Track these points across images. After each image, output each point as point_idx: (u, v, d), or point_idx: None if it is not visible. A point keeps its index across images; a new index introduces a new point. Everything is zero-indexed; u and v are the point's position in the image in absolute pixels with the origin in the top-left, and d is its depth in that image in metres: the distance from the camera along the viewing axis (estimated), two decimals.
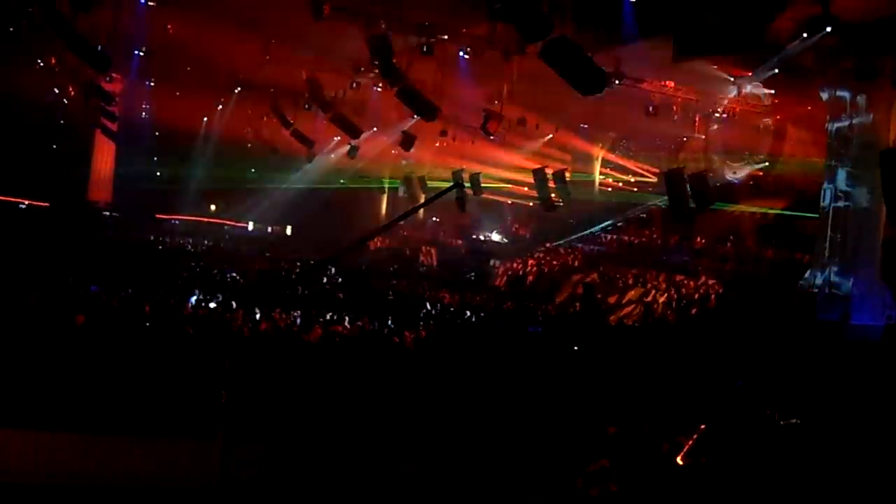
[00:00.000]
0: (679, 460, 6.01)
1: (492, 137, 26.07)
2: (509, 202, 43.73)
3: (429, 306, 19.84)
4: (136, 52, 27.83)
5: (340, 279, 24.51)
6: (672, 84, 24.50)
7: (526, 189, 37.40)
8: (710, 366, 15.08)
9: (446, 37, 21.34)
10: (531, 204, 36.65)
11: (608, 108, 27.84)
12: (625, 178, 38.02)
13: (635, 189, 37.21)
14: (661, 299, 23.45)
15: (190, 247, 31.84)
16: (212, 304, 15.47)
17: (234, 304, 15.52)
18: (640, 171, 36.77)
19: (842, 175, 19.49)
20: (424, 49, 20.84)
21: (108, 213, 43.68)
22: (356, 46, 21.89)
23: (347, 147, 37.40)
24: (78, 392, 8.90)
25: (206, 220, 47.53)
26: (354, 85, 27.93)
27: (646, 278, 25.06)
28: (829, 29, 16.83)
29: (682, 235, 27.61)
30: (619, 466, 6.04)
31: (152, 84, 35.56)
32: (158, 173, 46.79)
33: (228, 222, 48.07)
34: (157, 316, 13.55)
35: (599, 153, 36.89)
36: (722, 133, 29.82)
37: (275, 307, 15.61)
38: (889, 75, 18.43)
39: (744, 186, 29.18)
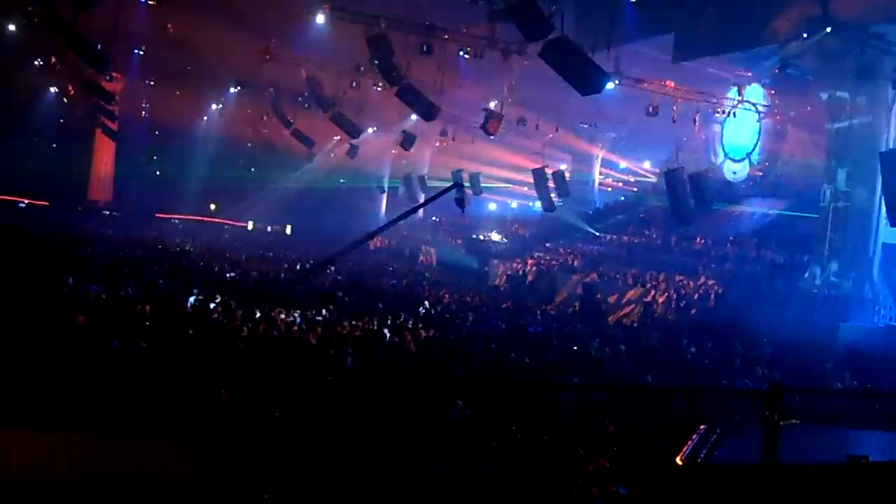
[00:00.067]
0: (679, 461, 6.01)
1: (492, 137, 26.10)
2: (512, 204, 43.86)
3: (428, 305, 19.85)
4: (136, 51, 27.83)
5: (340, 278, 24.55)
6: (672, 84, 24.50)
7: (526, 189, 37.44)
8: (710, 366, 15.11)
9: (446, 37, 21.33)
10: (531, 204, 36.75)
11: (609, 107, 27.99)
12: (625, 178, 38.08)
13: (635, 189, 37.24)
14: (661, 299, 23.46)
15: (189, 247, 31.82)
16: (211, 305, 15.49)
17: (233, 304, 15.54)
18: (640, 171, 36.82)
19: (842, 175, 19.51)
20: (425, 49, 20.83)
21: (107, 213, 43.73)
22: (356, 46, 21.95)
23: (347, 146, 37.49)
24: (78, 392, 8.91)
25: (206, 219, 47.57)
26: (354, 85, 27.94)
27: (645, 278, 25.06)
28: (829, 29, 16.85)
29: (682, 235, 27.61)
30: (619, 466, 6.03)
31: (152, 83, 35.60)
32: (158, 173, 46.86)
33: (228, 222, 48.08)
34: (157, 316, 13.55)
35: (599, 153, 36.92)
36: (722, 133, 29.88)
37: (275, 307, 15.62)
38: (889, 75, 18.44)
39: (744, 186, 29.20)
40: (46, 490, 7.66)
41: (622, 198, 37.62)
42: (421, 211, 34.22)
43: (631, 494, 5.83)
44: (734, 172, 29.55)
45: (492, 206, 44.80)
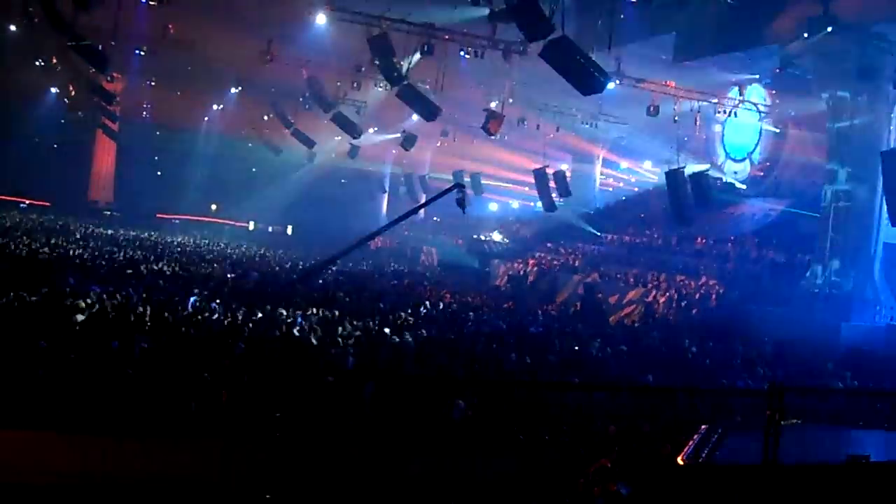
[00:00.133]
0: (680, 461, 6.00)
1: (492, 137, 26.10)
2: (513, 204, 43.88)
3: (429, 305, 19.84)
4: (137, 51, 27.84)
5: (341, 278, 24.55)
6: (673, 84, 24.50)
7: (527, 189, 37.45)
8: (711, 365, 15.10)
9: (447, 37, 21.32)
10: (532, 204, 36.74)
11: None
12: (626, 177, 38.08)
13: (636, 189, 37.24)
14: (662, 299, 23.45)
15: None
16: (212, 305, 15.49)
17: (234, 304, 15.54)
18: (641, 171, 36.81)
19: (842, 175, 19.50)
20: (424, 49, 20.82)
21: (108, 213, 43.78)
22: (357, 47, 21.95)
23: (348, 147, 37.51)
24: (78, 392, 8.91)
25: (206, 219, 47.61)
26: (355, 85, 27.95)
27: (647, 278, 25.07)
28: (829, 29, 16.84)
29: (683, 235, 27.61)
30: (619, 466, 6.02)
31: (152, 83, 35.62)
32: (159, 172, 46.89)
33: (229, 221, 48.12)
34: (158, 316, 13.56)
35: (600, 153, 36.91)
36: (722, 133, 29.90)
37: (276, 308, 15.62)
38: (889, 75, 18.43)
39: (745, 186, 29.21)
40: (46, 490, 7.66)
41: (623, 198, 37.64)
42: (422, 211, 34.25)
43: (632, 494, 5.83)
44: (735, 172, 29.56)
45: (493, 207, 44.84)
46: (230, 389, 8.06)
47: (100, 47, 21.36)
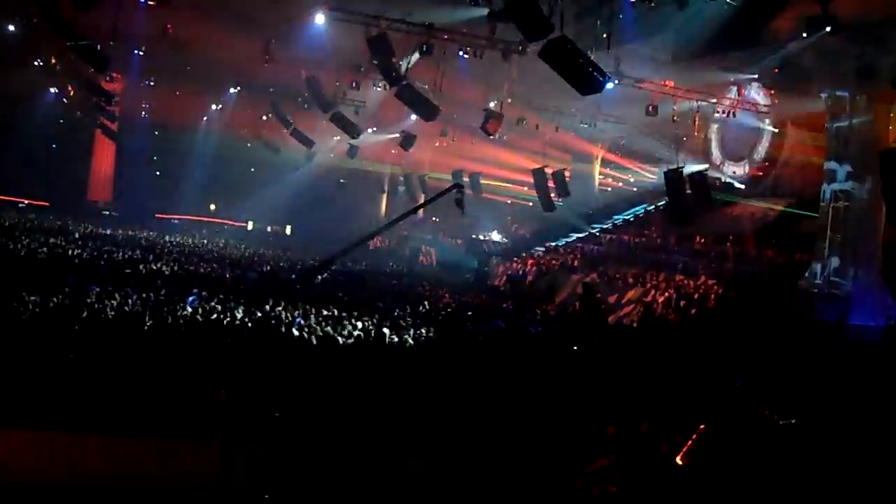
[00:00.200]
0: (679, 460, 6.01)
1: (492, 137, 26.07)
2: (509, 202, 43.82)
3: (427, 305, 19.86)
4: (136, 51, 27.82)
5: (341, 278, 24.56)
6: (672, 84, 24.49)
7: (526, 189, 37.43)
8: (710, 366, 15.10)
9: (446, 36, 21.31)
10: (531, 204, 36.70)
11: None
12: (625, 177, 38.04)
13: (635, 189, 37.22)
14: (661, 299, 23.44)
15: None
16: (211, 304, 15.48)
17: (232, 303, 15.54)
18: (640, 171, 36.79)
19: (842, 175, 19.51)
20: (423, 49, 20.81)
21: (107, 213, 43.75)
22: (356, 47, 21.92)
23: (347, 147, 37.48)
24: (78, 392, 8.90)
25: (205, 219, 47.59)
26: (354, 85, 27.93)
27: (645, 278, 25.06)
28: (829, 29, 16.84)
29: (682, 235, 27.60)
30: (619, 466, 6.04)
31: (152, 83, 35.59)
32: (158, 173, 46.88)
33: (228, 221, 48.10)
34: (157, 315, 13.56)
35: (599, 153, 36.91)
36: (721, 133, 29.88)
37: (275, 307, 15.62)
38: (889, 75, 18.43)
39: (744, 186, 29.20)
40: (46, 490, 7.67)
41: (622, 197, 37.62)
42: (421, 211, 34.24)
43: (631, 494, 5.85)
44: (734, 172, 29.56)
45: (492, 206, 44.82)
46: (230, 389, 8.07)
47: (99, 47, 21.35)
